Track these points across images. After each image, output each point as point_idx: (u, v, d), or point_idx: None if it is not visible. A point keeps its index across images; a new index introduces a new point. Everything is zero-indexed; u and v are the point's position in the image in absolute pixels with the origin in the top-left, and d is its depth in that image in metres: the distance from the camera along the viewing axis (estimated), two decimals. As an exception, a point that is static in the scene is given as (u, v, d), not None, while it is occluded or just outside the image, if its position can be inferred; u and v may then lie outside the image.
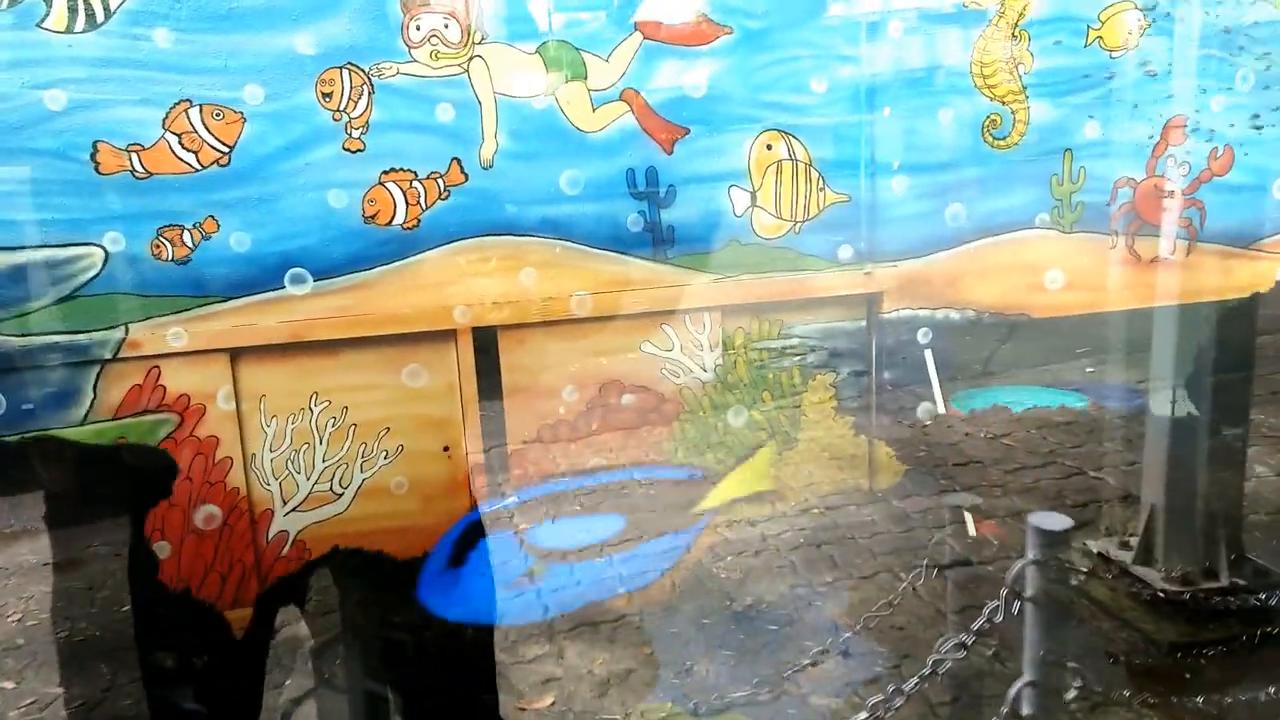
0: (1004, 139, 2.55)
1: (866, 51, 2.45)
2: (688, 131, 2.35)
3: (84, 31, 1.97)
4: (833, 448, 2.97)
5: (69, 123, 1.99)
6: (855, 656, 1.82)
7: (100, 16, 1.97)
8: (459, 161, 2.23)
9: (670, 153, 2.35)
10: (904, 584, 1.67)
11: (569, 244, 2.34)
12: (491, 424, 2.35)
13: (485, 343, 2.35)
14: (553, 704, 2.14)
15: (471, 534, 2.30)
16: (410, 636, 2.20)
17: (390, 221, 2.20)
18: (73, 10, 1.95)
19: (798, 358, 2.69)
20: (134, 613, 2.14)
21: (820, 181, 2.48)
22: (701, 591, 1.92)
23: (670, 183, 2.37)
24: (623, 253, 2.39)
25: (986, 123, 2.52)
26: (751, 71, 2.36)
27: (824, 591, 2.02)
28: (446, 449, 2.34)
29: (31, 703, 3.27)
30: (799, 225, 2.49)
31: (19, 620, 3.90)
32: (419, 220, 2.22)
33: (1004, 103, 2.53)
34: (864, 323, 2.75)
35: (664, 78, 2.31)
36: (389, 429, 2.29)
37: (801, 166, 2.45)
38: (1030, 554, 2.19)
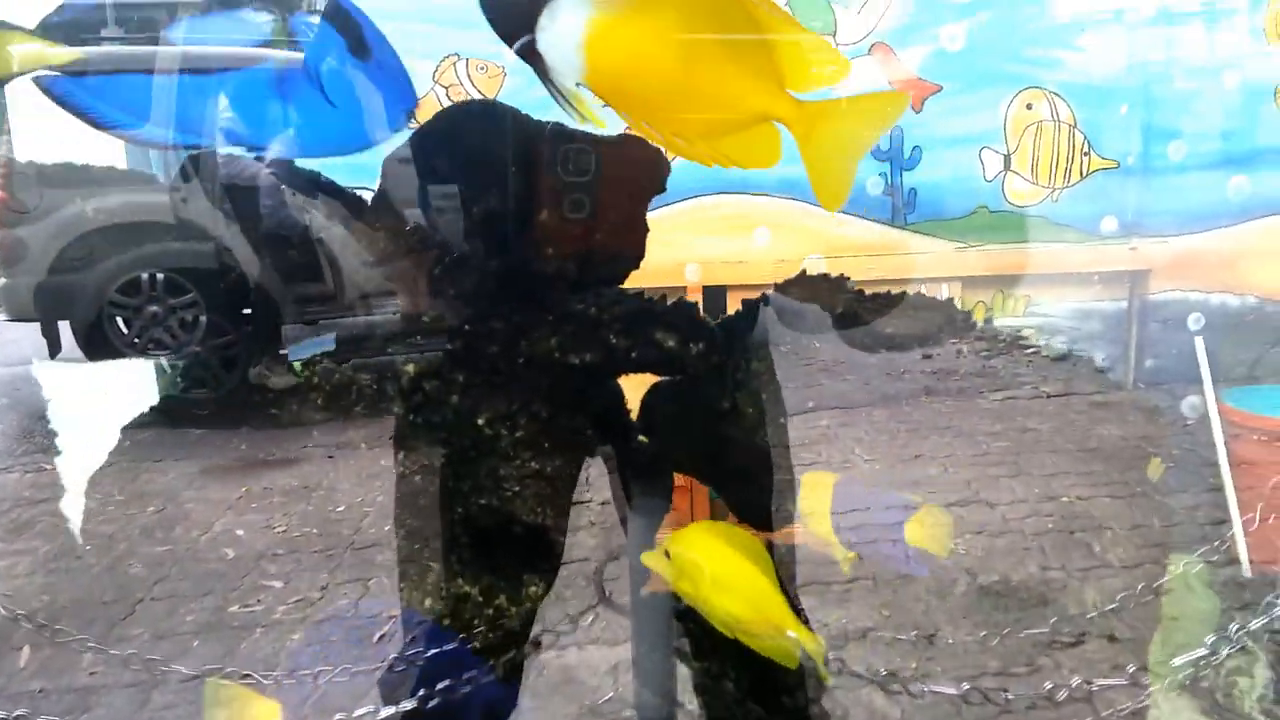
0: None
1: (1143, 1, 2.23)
2: (940, 88, 2.23)
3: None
4: (1080, 438, 2.73)
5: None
6: (1122, 642, 1.69)
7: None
8: (701, 118, 2.23)
9: (918, 111, 2.24)
10: (1170, 575, 1.51)
11: (804, 204, 2.29)
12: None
13: (715, 301, 2.35)
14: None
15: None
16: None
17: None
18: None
19: (1044, 338, 2.51)
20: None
21: (1085, 145, 2.29)
22: (937, 565, 1.83)
23: (916, 144, 2.26)
24: (859, 216, 2.31)
25: (1285, 87, 2.23)
26: (1017, 25, 2.21)
27: (1080, 577, 1.88)
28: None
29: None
30: (1058, 192, 2.31)
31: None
32: (658, 176, 2.25)
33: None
34: (1124, 304, 2.53)
35: (918, 30, 2.21)
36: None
37: (1065, 128, 2.27)
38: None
